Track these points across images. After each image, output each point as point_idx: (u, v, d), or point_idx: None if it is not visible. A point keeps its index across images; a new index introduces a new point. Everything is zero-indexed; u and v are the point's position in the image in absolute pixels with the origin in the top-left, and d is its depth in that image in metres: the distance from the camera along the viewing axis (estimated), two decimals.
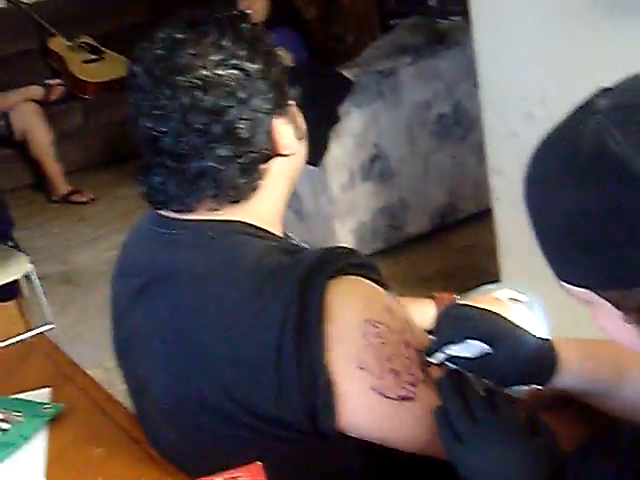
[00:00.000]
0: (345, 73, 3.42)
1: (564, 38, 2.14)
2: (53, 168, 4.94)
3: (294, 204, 3.65)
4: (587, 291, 0.82)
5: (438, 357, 1.06)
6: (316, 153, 3.33)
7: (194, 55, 1.09)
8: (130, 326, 1.21)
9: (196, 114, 1.09)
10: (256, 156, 1.13)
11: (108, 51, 5.44)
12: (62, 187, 4.94)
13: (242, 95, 1.10)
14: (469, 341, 1.04)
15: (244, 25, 1.15)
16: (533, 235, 0.86)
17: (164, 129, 1.10)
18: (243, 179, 1.13)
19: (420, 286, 3.27)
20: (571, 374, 1.09)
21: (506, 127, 2.45)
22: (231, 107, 1.10)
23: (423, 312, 1.59)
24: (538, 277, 2.46)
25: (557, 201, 0.80)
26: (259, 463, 0.96)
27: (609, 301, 0.81)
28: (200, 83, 1.08)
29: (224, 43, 1.11)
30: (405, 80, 3.51)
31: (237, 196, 1.14)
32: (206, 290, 1.11)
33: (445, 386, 1.03)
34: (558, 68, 2.20)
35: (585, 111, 0.80)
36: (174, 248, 1.16)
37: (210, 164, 1.11)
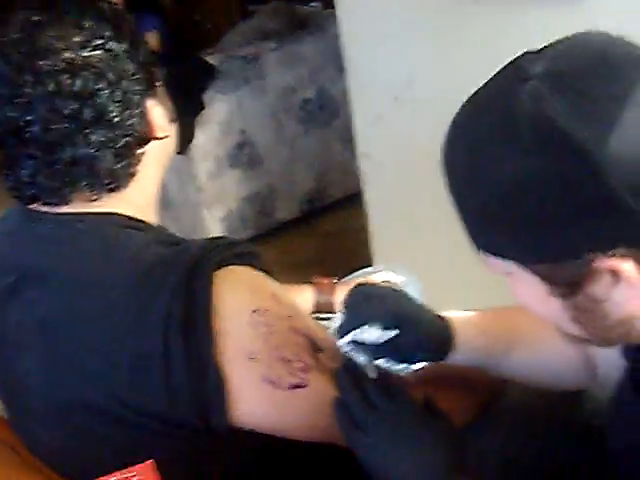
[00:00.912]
0: (208, 59, 3.37)
1: (428, 21, 2.17)
2: None
3: (160, 193, 3.57)
4: (512, 263, 0.81)
5: (346, 339, 1.05)
6: (182, 141, 3.25)
7: (56, 37, 1.03)
8: (3, 327, 1.14)
9: (64, 100, 1.03)
10: (131, 140, 1.09)
11: None
12: None
13: (111, 76, 1.06)
14: (374, 327, 1.04)
15: (104, 4, 1.10)
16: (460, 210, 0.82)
17: (30, 117, 1.03)
18: (119, 164, 1.08)
19: (293, 272, 3.24)
20: (465, 350, 1.11)
21: (373, 110, 2.47)
22: (101, 90, 1.05)
23: (302, 298, 1.58)
24: (408, 259, 2.51)
25: (489, 170, 0.77)
26: (151, 461, 0.92)
27: (537, 274, 0.80)
28: (65, 66, 1.03)
29: (85, 23, 1.05)
30: (269, 66, 3.49)
31: (114, 183, 1.09)
32: (83, 288, 1.05)
33: (341, 376, 1.02)
34: (423, 51, 2.23)
35: (516, 76, 0.77)
36: (46, 244, 1.10)
37: (83, 151, 1.05)
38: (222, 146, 3.43)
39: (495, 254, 0.82)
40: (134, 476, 0.90)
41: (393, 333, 1.05)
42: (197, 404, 1.02)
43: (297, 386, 1.05)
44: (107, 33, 1.07)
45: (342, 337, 1.06)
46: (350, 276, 1.83)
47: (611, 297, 0.80)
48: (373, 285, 1.11)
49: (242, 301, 1.05)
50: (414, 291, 1.51)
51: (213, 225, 3.49)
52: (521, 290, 0.85)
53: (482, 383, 1.25)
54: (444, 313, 1.13)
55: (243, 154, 3.49)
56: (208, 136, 3.37)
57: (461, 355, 1.12)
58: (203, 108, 3.31)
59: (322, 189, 3.75)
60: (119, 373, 1.02)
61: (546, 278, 0.80)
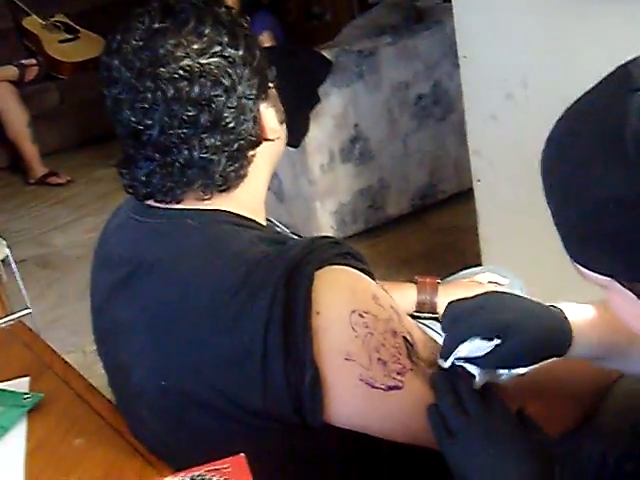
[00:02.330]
0: (324, 53, 3.39)
1: (545, 20, 2.13)
2: (30, 150, 4.87)
3: (274, 186, 3.63)
4: (609, 279, 0.79)
5: (448, 362, 1.04)
6: (296, 134, 3.31)
7: (175, 45, 1.07)
8: (112, 316, 1.19)
9: (182, 105, 1.07)
10: (243, 143, 1.12)
11: (83, 30, 5.38)
12: (39, 169, 4.89)
13: (227, 83, 1.09)
14: (475, 340, 1.03)
15: (221, 10, 1.12)
16: (552, 218, 0.80)
17: (149, 122, 1.08)
18: (232, 167, 1.12)
19: (401, 267, 3.27)
20: (587, 342, 1.06)
21: (486, 108, 2.44)
22: (217, 96, 1.08)
23: (405, 296, 1.59)
24: (517, 258, 2.47)
25: (591, 185, 0.74)
26: (242, 455, 0.95)
27: (633, 292, 0.78)
28: (184, 73, 1.06)
29: (204, 30, 1.09)
30: (384, 60, 3.48)
31: (226, 184, 1.13)
32: (190, 281, 1.09)
33: (438, 382, 1.03)
34: (539, 50, 2.19)
35: (625, 86, 0.74)
36: (156, 237, 1.14)
37: (198, 154, 1.09)
38: (336, 140, 3.45)
39: (590, 268, 0.80)
40: (226, 468, 0.92)
41: (495, 342, 1.02)
42: (293, 400, 1.04)
43: (393, 388, 1.05)
44: (224, 39, 1.09)
45: (445, 360, 1.05)
46: (454, 276, 1.82)
47: None
48: (466, 300, 1.09)
49: (342, 301, 1.06)
50: (518, 293, 1.49)
51: (324, 218, 3.52)
52: (616, 304, 0.83)
53: (586, 387, 1.23)
54: (561, 305, 1.08)
55: (356, 148, 3.50)
56: (322, 130, 3.40)
57: (582, 348, 1.06)
58: (318, 101, 3.33)
59: (434, 185, 3.73)
60: (219, 366, 1.05)
61: None
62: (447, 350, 1.04)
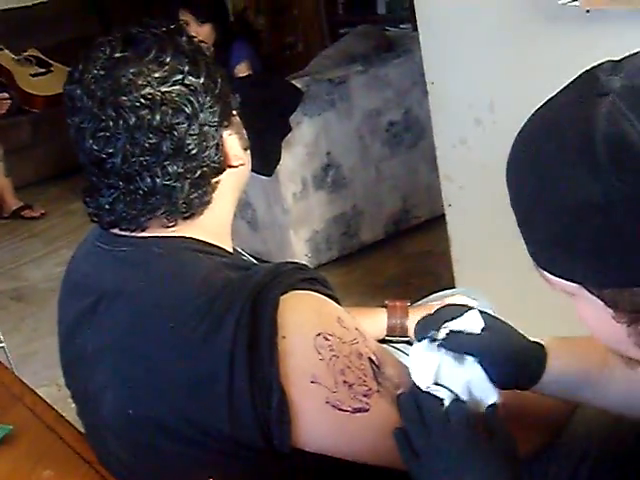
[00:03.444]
0: (295, 82, 3.42)
1: (509, 44, 2.16)
2: (3, 183, 4.86)
3: (247, 215, 3.63)
4: (577, 286, 0.78)
5: (440, 334, 1.05)
6: (269, 163, 3.32)
7: (136, 73, 1.08)
8: (79, 345, 1.18)
9: (144, 133, 1.07)
10: (207, 170, 1.13)
11: (56, 64, 5.38)
12: (12, 202, 4.87)
13: (189, 110, 1.09)
14: (469, 314, 1.04)
15: (183, 38, 1.13)
16: (518, 228, 0.80)
17: (111, 150, 1.08)
18: (195, 194, 1.13)
19: (376, 293, 3.27)
20: (561, 374, 1.07)
21: (455, 133, 2.46)
22: (179, 123, 1.09)
23: (376, 321, 1.59)
24: (490, 280, 2.48)
25: (559, 191, 0.73)
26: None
27: (602, 299, 0.77)
28: (145, 102, 1.07)
29: (165, 59, 1.09)
30: (355, 88, 3.52)
31: (189, 211, 1.13)
32: (155, 310, 1.09)
33: (404, 402, 1.03)
34: (505, 74, 2.22)
35: (593, 90, 0.73)
36: (121, 266, 1.14)
37: (161, 182, 1.10)
38: (308, 168, 3.46)
39: (558, 275, 0.79)
40: None
41: (481, 325, 1.04)
42: (260, 425, 1.03)
43: (359, 410, 1.05)
44: (185, 68, 1.10)
45: (420, 340, 1.06)
46: (425, 299, 1.83)
47: None
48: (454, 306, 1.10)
49: (307, 325, 1.06)
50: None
51: (299, 246, 3.53)
52: (584, 312, 0.82)
53: (550, 413, 1.23)
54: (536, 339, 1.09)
55: (329, 176, 3.52)
56: (294, 158, 3.41)
57: (554, 379, 1.07)
58: (290, 130, 3.35)
59: (408, 210, 3.75)
60: (185, 393, 1.05)
61: (611, 303, 0.77)
62: (434, 326, 1.04)
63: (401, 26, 4.79)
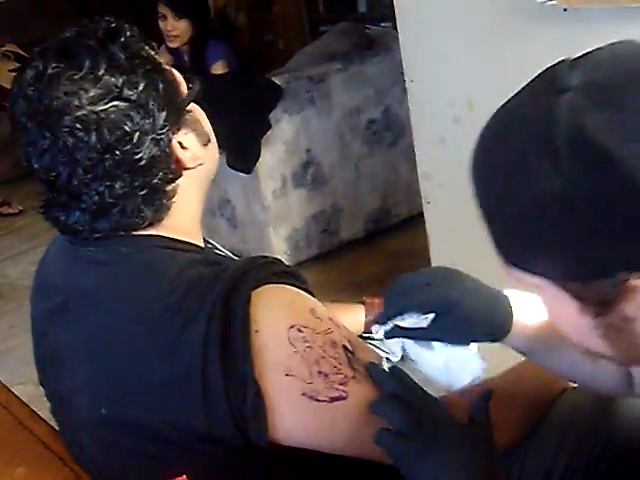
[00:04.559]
0: (275, 79, 3.41)
1: (488, 43, 2.16)
2: None
3: (227, 212, 3.62)
4: (542, 279, 0.79)
5: (387, 326, 1.10)
6: (248, 160, 3.31)
7: (71, 93, 1.04)
8: (51, 344, 1.18)
9: (84, 154, 1.05)
10: (158, 182, 1.10)
11: None
12: None
13: (129, 127, 1.06)
14: (412, 315, 1.08)
15: (117, 46, 1.08)
16: (479, 221, 0.81)
17: (55, 172, 1.07)
18: (148, 207, 1.11)
19: (355, 291, 3.26)
20: (520, 334, 1.09)
21: (434, 131, 2.47)
22: (119, 141, 1.06)
23: (354, 317, 1.59)
24: None
25: (522, 185, 0.74)
26: (184, 476, 0.94)
27: (568, 292, 0.78)
28: (80, 125, 1.04)
29: (98, 74, 1.05)
30: (335, 86, 3.51)
31: (145, 222, 1.12)
32: (126, 308, 1.08)
33: (380, 404, 1.04)
34: (483, 72, 2.22)
35: (552, 88, 0.75)
36: (89, 265, 1.13)
37: (109, 200, 1.08)
38: (288, 165, 3.46)
39: (523, 269, 0.80)
40: None
41: (430, 317, 1.07)
42: (236, 422, 1.03)
43: (337, 399, 1.05)
44: (120, 81, 1.06)
45: (383, 325, 1.10)
46: None
47: None
48: (415, 274, 1.12)
49: (279, 318, 1.06)
50: None
51: (278, 244, 3.52)
52: (550, 306, 0.83)
53: (532, 402, 1.24)
54: (508, 292, 1.11)
55: (308, 173, 3.52)
56: (274, 155, 3.41)
57: (519, 337, 1.09)
58: (269, 128, 3.34)
59: (387, 209, 3.75)
60: (159, 391, 1.04)
61: (577, 296, 0.78)
62: (384, 317, 1.09)
63: (382, 24, 4.78)
